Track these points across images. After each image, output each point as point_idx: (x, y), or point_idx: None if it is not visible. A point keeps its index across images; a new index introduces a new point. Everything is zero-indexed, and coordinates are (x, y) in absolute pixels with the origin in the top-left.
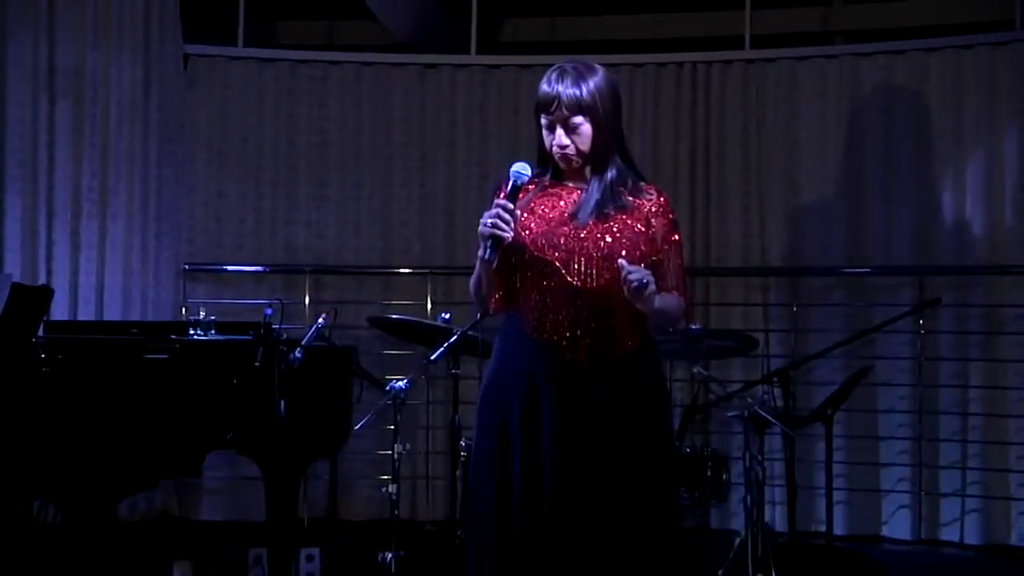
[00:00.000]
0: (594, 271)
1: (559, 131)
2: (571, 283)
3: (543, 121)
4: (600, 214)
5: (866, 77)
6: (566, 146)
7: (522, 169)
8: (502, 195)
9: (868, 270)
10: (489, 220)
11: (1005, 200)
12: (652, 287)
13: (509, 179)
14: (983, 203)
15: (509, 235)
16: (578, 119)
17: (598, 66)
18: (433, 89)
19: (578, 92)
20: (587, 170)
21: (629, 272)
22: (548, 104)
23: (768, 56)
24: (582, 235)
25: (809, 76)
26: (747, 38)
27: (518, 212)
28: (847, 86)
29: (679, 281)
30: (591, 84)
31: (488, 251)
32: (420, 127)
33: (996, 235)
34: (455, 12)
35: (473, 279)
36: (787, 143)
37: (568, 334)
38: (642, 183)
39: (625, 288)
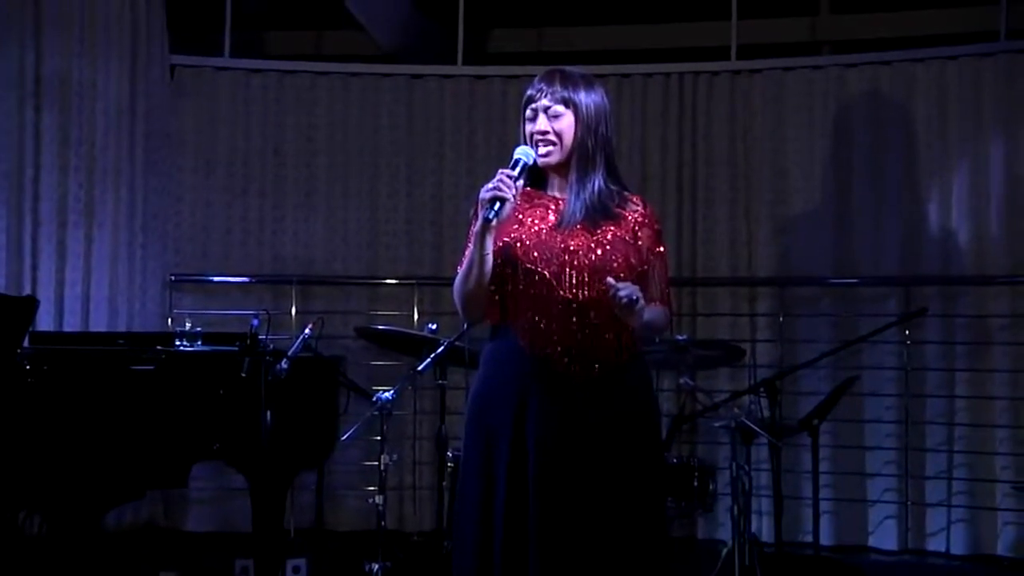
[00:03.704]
0: (585, 283)
1: (540, 117)
2: (562, 295)
3: (527, 113)
4: (589, 224)
5: (853, 87)
6: (545, 132)
7: (528, 151)
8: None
9: (855, 280)
10: (490, 184)
11: (991, 210)
12: (641, 302)
13: (512, 162)
14: (969, 213)
15: (510, 196)
16: (560, 108)
17: (593, 77)
18: (420, 99)
19: (564, 87)
20: (572, 176)
21: (618, 289)
22: (533, 97)
23: (755, 67)
24: (572, 247)
25: (796, 86)
26: (734, 48)
27: (520, 184)
28: (834, 96)
29: (664, 291)
30: (580, 85)
31: (492, 213)
32: (407, 137)
33: (982, 245)
34: (442, 22)
35: (459, 277)
36: (774, 153)
37: (559, 347)
38: (627, 193)
39: (615, 304)
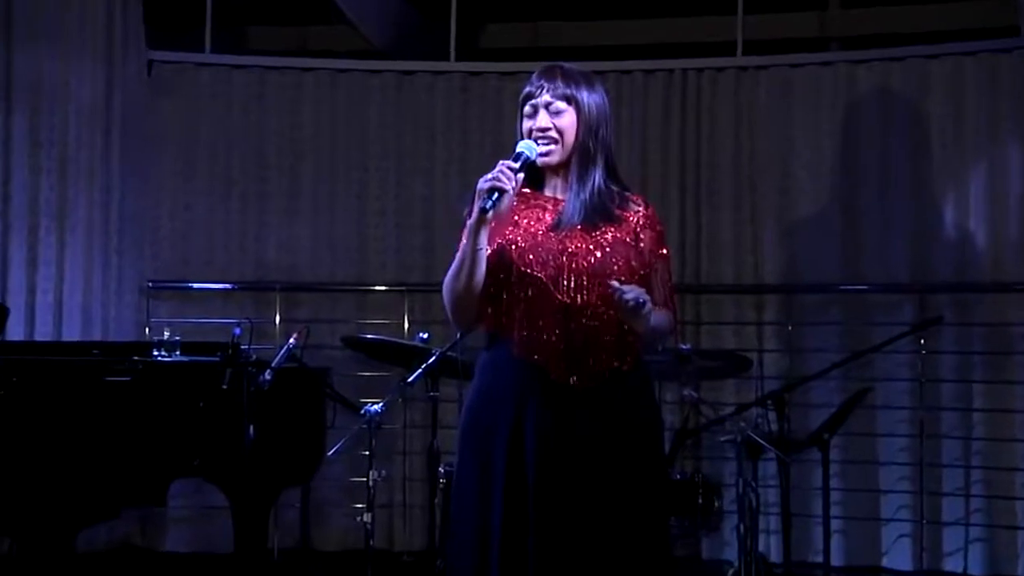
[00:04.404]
0: (584, 288)
1: (541, 113)
2: (560, 301)
3: (526, 110)
4: (588, 225)
5: (863, 85)
6: (547, 128)
7: (531, 144)
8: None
9: (866, 287)
10: (489, 175)
11: (1009, 213)
12: (649, 305)
13: (514, 155)
14: (986, 217)
15: (510, 188)
16: (562, 104)
17: (594, 76)
18: (410, 97)
19: (566, 84)
20: (570, 176)
21: (624, 292)
22: (532, 93)
23: (761, 63)
24: (571, 250)
25: (804, 84)
26: (739, 44)
27: (521, 177)
28: (843, 94)
29: (668, 296)
30: (581, 82)
31: (490, 203)
32: (397, 137)
33: (999, 250)
34: (433, 17)
35: (450, 274)
36: (781, 154)
37: (558, 355)
38: (628, 194)
39: (621, 308)
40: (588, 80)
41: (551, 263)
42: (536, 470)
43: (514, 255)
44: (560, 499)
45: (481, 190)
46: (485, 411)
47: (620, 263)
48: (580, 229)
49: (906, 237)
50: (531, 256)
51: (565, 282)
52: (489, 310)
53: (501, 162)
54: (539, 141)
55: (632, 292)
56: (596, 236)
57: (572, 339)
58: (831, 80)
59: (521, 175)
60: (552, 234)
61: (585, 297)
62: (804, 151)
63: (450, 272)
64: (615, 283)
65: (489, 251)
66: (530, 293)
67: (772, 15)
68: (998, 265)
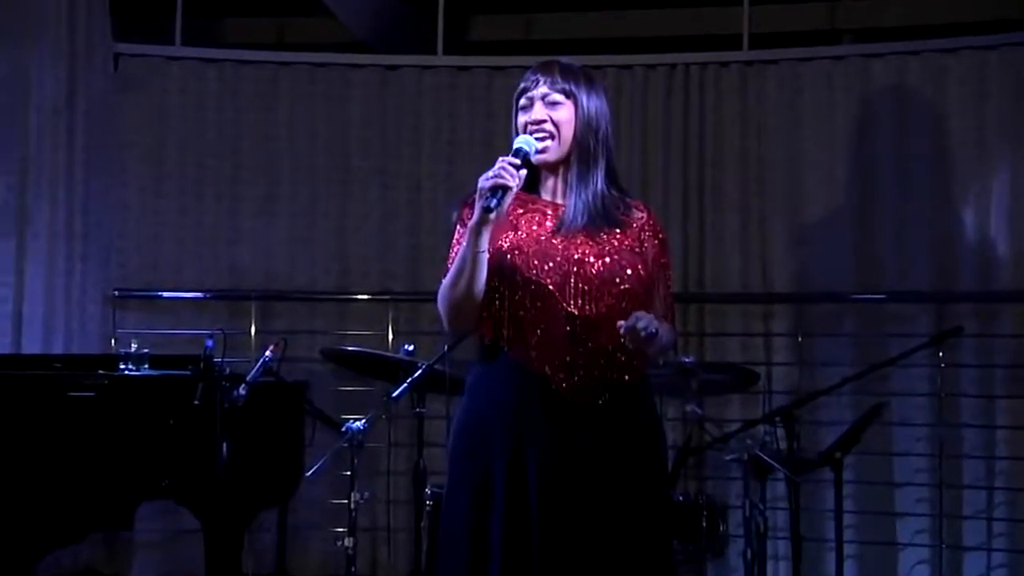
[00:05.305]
0: (591, 297)
1: (537, 105)
2: (566, 309)
3: (521, 103)
4: (593, 230)
5: (877, 80)
6: (542, 121)
7: (530, 140)
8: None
9: (881, 296)
10: (491, 172)
11: None
12: (660, 330)
13: (513, 150)
14: (1008, 221)
15: (514, 184)
16: (559, 97)
17: (593, 74)
18: (395, 93)
19: (564, 78)
20: (570, 176)
21: (636, 320)
22: (528, 86)
23: (769, 57)
24: (577, 257)
25: (814, 79)
26: (746, 37)
27: (523, 174)
28: (856, 90)
29: (669, 307)
30: (579, 78)
31: (494, 201)
32: (380, 136)
33: (1023, 257)
34: (420, 8)
35: (448, 279)
36: (790, 153)
37: (562, 366)
38: (629, 199)
39: (634, 341)
40: (587, 76)
41: (557, 270)
42: (539, 488)
43: (518, 261)
44: (564, 516)
45: (483, 188)
46: (482, 424)
47: (629, 270)
48: (585, 235)
49: (924, 243)
50: (536, 262)
51: (572, 290)
52: (486, 319)
53: (501, 158)
54: (535, 135)
55: (644, 321)
56: (602, 242)
57: (577, 350)
58: (843, 75)
59: (524, 171)
60: (556, 240)
61: (592, 307)
62: (814, 150)
63: (447, 279)
64: (621, 322)
65: (487, 255)
66: (534, 301)
67: (780, 6)
68: (1022, 272)
